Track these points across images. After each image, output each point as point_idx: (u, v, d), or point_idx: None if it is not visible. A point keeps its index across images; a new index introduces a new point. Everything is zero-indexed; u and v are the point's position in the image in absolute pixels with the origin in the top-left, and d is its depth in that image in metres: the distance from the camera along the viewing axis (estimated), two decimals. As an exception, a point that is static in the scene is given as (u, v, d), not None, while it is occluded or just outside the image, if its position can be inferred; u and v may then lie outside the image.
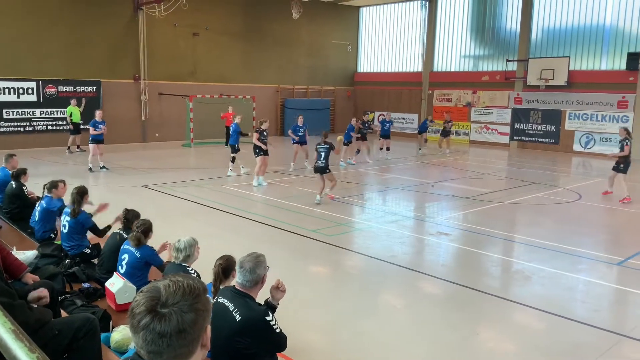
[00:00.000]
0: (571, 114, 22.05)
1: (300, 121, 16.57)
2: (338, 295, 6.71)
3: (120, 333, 4.00)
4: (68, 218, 6.28)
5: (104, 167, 15.07)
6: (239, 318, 3.40)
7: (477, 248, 8.67)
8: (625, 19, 20.58)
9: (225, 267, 4.15)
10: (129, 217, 5.81)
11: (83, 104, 19.33)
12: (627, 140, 12.17)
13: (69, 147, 18.69)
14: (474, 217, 10.80)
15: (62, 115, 20.04)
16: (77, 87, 20.38)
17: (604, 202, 12.46)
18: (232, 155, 14.99)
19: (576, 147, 21.95)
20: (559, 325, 5.80)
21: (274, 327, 3.47)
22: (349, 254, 8.32)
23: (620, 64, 20.62)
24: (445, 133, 21.18)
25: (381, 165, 17.69)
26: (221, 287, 4.08)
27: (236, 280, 3.66)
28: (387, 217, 10.65)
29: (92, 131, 14.80)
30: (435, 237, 9.25)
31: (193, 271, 4.58)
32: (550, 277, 7.28)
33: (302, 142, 16.38)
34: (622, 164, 12.27)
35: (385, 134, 19.19)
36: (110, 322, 4.44)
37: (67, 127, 19.25)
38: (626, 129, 12.75)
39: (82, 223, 6.32)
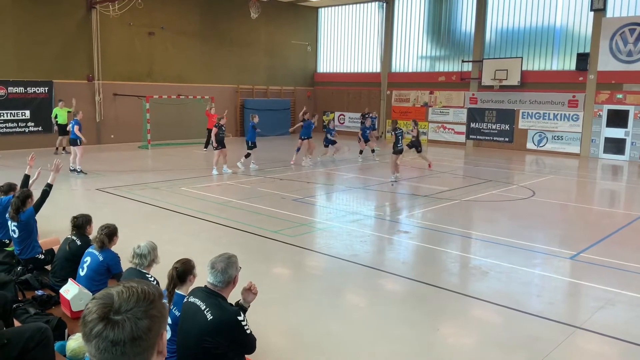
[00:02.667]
0: (524, 113, 22.71)
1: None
2: (301, 295, 6.70)
3: (76, 341, 3.88)
4: (15, 223, 6.07)
5: (78, 170, 14.37)
6: (211, 317, 3.40)
7: (436, 245, 8.82)
8: (574, 21, 21.33)
9: (182, 271, 4.08)
10: (79, 223, 5.65)
11: (74, 105, 18.16)
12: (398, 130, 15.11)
13: (56, 149, 18.10)
14: (433, 215, 10.98)
15: (12, 118, 19.32)
16: (28, 88, 19.66)
17: (557, 199, 12.87)
18: (248, 151, 15.96)
19: (529, 145, 22.62)
20: (516, 319, 5.96)
21: (245, 327, 3.47)
22: (311, 254, 8.32)
23: (570, 64, 21.37)
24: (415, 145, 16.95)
25: (343, 165, 17.78)
26: (177, 292, 4.01)
27: (207, 280, 3.63)
28: (348, 217, 10.71)
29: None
30: (396, 236, 9.36)
31: (152, 278, 4.49)
32: (506, 272, 7.47)
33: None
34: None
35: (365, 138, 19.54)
36: (66, 330, 4.30)
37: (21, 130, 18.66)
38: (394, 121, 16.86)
39: (26, 222, 6.10)
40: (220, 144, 14.98)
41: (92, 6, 20.80)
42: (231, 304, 3.63)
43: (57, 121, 18.22)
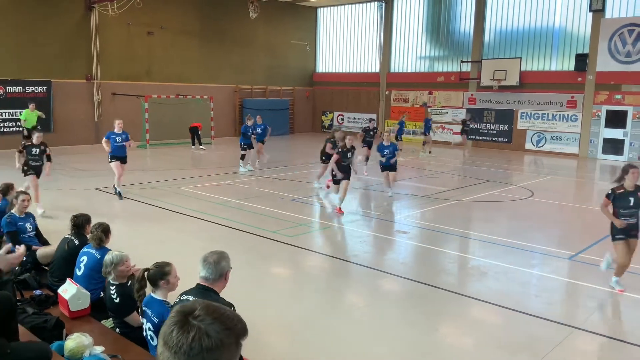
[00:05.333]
0: (523, 114, 22.72)
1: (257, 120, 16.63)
2: (300, 295, 6.70)
3: (74, 341, 3.87)
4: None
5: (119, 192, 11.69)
6: None
7: (434, 245, 8.82)
8: (573, 21, 21.35)
9: (153, 274, 3.98)
10: (79, 223, 5.64)
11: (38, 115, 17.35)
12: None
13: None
14: (432, 215, 10.98)
15: (10, 117, 19.29)
16: (26, 88, 19.63)
17: (555, 199, 12.88)
18: (243, 153, 15.91)
19: (528, 145, 22.63)
20: (515, 319, 5.96)
21: None
22: (310, 254, 8.32)
23: (569, 65, 21.38)
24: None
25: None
26: (153, 295, 3.94)
27: (200, 274, 3.62)
28: (347, 217, 10.70)
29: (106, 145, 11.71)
30: (394, 236, 9.35)
31: (128, 284, 4.49)
32: (505, 273, 7.47)
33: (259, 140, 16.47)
34: None
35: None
36: (64, 330, 4.29)
37: (19, 129, 18.31)
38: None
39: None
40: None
41: (91, 5, 20.78)
42: (224, 299, 3.55)
43: (25, 125, 16.79)
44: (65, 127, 20.38)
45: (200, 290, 3.55)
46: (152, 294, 3.97)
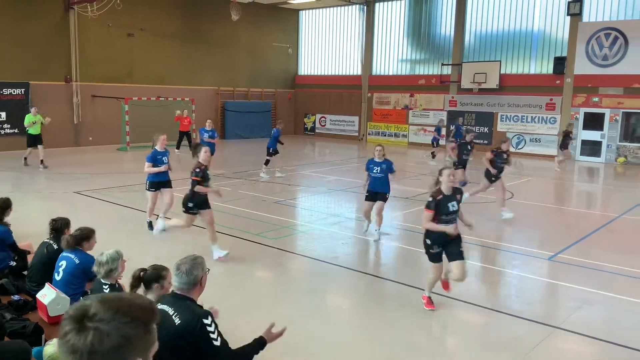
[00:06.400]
0: (503, 116, 22.99)
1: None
2: (283, 298, 6.68)
3: (54, 346, 3.80)
4: None
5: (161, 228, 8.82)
6: (178, 322, 3.22)
7: (416, 247, 8.84)
8: (551, 25, 21.67)
9: (150, 275, 3.93)
10: (58, 227, 5.55)
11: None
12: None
13: (25, 159, 16.09)
14: (413, 217, 11.03)
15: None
16: (3, 90, 19.31)
17: (535, 200, 13.04)
18: (267, 158, 15.12)
19: (508, 147, 22.86)
20: (496, 319, 6.02)
21: (212, 335, 3.19)
22: (292, 257, 8.31)
23: (548, 68, 21.70)
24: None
25: (325, 167, 17.77)
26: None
27: (173, 284, 3.50)
28: (330, 219, 10.71)
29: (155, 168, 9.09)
30: (377, 238, 9.38)
31: (117, 286, 4.43)
32: (486, 274, 7.54)
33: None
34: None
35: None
36: (43, 336, 4.23)
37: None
38: None
39: (2, 238, 5.96)
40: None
41: (70, 7, 20.53)
42: (201, 306, 3.44)
43: (29, 130, 15.80)
44: (43, 130, 20.04)
45: (175, 299, 3.39)
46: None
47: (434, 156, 19.54)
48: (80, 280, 4.97)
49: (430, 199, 6.04)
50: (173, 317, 3.25)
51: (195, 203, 7.77)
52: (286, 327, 3.70)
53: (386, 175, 8.80)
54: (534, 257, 8.39)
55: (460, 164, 13.11)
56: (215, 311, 3.67)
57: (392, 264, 8.22)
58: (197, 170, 7.68)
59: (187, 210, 7.85)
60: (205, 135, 14.67)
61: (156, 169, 8.95)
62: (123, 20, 21.69)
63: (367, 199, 9.03)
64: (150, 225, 9.23)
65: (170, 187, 9.39)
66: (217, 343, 3.20)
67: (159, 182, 9.13)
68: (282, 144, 15.95)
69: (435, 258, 6.14)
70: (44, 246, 5.52)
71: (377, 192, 8.86)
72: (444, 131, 21.18)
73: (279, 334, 3.69)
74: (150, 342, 1.30)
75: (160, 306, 3.36)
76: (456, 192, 6.22)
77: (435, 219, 6.00)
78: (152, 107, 22.07)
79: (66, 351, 1.22)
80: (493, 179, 11.37)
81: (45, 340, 4.13)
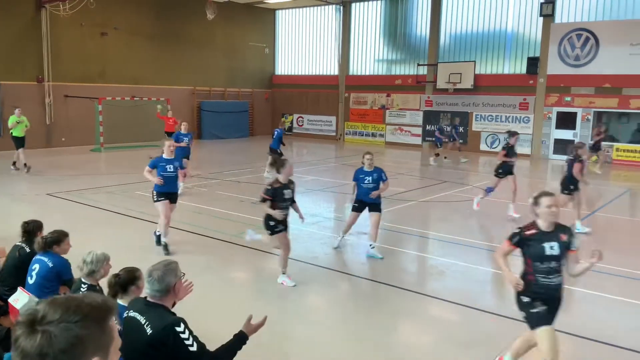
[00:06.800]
0: (477, 116, 23.28)
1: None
2: (261, 298, 6.66)
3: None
4: None
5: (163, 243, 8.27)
6: (150, 332, 3.10)
7: (394, 246, 8.93)
8: (524, 26, 22.03)
9: (125, 279, 3.92)
10: (30, 229, 5.46)
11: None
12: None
13: (14, 163, 15.65)
14: (391, 215, 11.10)
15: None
16: (-28, 89, 18.87)
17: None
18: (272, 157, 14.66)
19: (482, 146, 23.19)
20: (472, 316, 6.10)
21: (187, 341, 3.08)
22: (270, 257, 8.28)
23: (521, 68, 22.05)
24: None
25: (302, 167, 17.76)
26: (119, 302, 3.85)
27: (145, 291, 3.39)
28: (308, 219, 10.68)
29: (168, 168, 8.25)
30: (355, 237, 9.41)
31: (98, 288, 4.39)
32: (462, 271, 7.63)
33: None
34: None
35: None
36: (15, 341, 4.13)
37: None
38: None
39: None
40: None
41: (42, 5, 20.14)
42: (174, 313, 3.30)
43: (13, 132, 15.24)
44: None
45: (147, 307, 3.25)
46: (119, 300, 3.83)
47: (437, 155, 19.52)
48: (53, 284, 4.88)
49: (517, 230, 4.62)
50: (145, 326, 3.12)
51: (277, 221, 6.83)
52: (266, 315, 3.62)
53: (378, 184, 8.13)
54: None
55: (506, 171, 11.85)
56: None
57: (370, 263, 8.25)
58: (269, 187, 6.86)
59: (273, 230, 6.92)
60: (185, 139, 13.09)
61: (150, 178, 8.08)
62: (96, 19, 21.38)
63: (355, 209, 8.29)
64: (159, 240, 8.30)
65: (175, 202, 8.41)
66: (194, 348, 3.11)
67: (166, 193, 8.15)
68: (284, 145, 15.90)
69: (540, 319, 4.28)
70: (16, 249, 5.41)
71: (368, 203, 8.18)
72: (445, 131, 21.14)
73: (260, 324, 3.59)
74: (108, 340, 1.28)
75: (131, 314, 3.26)
76: (561, 230, 4.45)
77: (530, 267, 4.46)
78: (127, 107, 21.79)
79: (18, 356, 1.21)
80: (572, 187, 9.73)
81: (18, 346, 4.04)
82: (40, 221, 5.62)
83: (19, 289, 4.72)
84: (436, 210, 11.96)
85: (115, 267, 4.70)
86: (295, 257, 8.11)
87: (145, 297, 3.38)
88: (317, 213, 11.41)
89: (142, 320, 3.16)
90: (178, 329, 3.09)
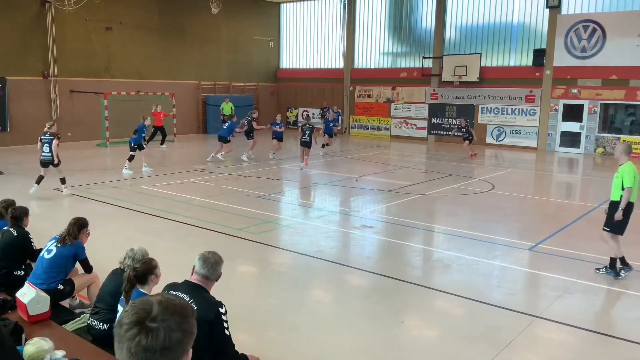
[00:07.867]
0: (483, 108, 23.17)
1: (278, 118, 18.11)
2: (266, 292, 6.68)
3: (34, 346, 3.76)
4: None
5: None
6: (196, 308, 3.26)
7: (399, 239, 8.92)
8: (530, 18, 21.87)
9: (143, 271, 3.98)
10: (17, 215, 5.76)
11: None
12: None
13: None
14: (396, 209, 11.10)
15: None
16: (-22, 85, 18.93)
17: (515, 192, 13.19)
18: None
19: (489, 139, 23.09)
20: (477, 309, 6.09)
21: (225, 324, 3.46)
22: (276, 251, 8.30)
23: (527, 60, 21.91)
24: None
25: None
26: (141, 290, 3.91)
27: (196, 271, 3.67)
28: (313, 213, 10.71)
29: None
30: (360, 231, 9.41)
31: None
32: (467, 264, 7.62)
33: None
34: None
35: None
36: (23, 335, 4.17)
37: None
38: None
39: None
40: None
41: (47, 1, 20.15)
42: (214, 297, 3.62)
43: None
44: (21, 126, 19.73)
45: (192, 288, 3.58)
46: (140, 289, 3.94)
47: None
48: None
49: None
50: (191, 304, 3.33)
51: None
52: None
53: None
54: (515, 248, 8.49)
55: None
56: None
57: (375, 257, 8.26)
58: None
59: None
60: (277, 127, 17.81)
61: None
62: (101, 14, 21.38)
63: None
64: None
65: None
66: (227, 332, 3.48)
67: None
68: (234, 136, 17.61)
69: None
70: (1, 232, 5.74)
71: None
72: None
73: None
74: (195, 333, 1.53)
75: (174, 292, 3.56)
76: None
77: None
78: (132, 102, 21.80)
79: (139, 352, 1.39)
80: None
81: (25, 340, 4.07)
82: (27, 208, 6.01)
83: (26, 284, 4.75)
84: (441, 204, 11.94)
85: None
86: (300, 251, 8.12)
87: (186, 280, 3.68)
88: (322, 207, 11.41)
89: (187, 297, 3.42)
90: (221, 310, 3.47)
